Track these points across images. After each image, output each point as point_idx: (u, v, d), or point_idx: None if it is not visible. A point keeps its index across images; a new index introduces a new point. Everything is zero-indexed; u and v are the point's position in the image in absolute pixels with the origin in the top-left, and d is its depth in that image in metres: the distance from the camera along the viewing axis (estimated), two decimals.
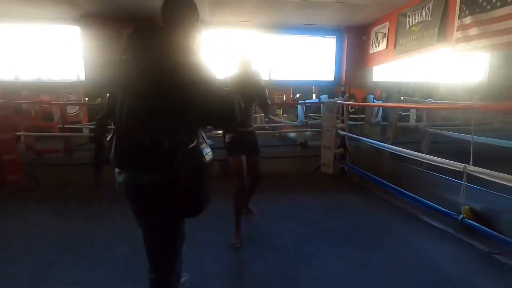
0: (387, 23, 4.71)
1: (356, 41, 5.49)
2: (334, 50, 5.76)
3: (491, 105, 3.38)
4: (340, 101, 4.41)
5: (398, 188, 2.92)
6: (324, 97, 5.36)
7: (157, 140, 0.97)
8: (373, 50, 5.14)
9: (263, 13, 4.65)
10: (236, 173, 2.21)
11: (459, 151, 2.55)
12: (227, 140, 2.32)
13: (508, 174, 1.94)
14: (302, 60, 5.75)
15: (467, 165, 2.23)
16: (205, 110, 0.98)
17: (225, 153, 2.39)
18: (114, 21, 4.89)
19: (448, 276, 1.85)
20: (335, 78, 5.83)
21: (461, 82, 5.77)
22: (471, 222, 2.22)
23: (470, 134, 2.30)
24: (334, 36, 5.72)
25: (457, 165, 2.32)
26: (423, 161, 2.93)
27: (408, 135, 5.35)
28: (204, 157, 1.07)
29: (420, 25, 3.94)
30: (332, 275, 1.86)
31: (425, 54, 3.89)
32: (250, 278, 1.87)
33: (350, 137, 4.23)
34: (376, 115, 5.38)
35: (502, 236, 1.99)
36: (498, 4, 2.85)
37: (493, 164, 2.14)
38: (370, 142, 3.82)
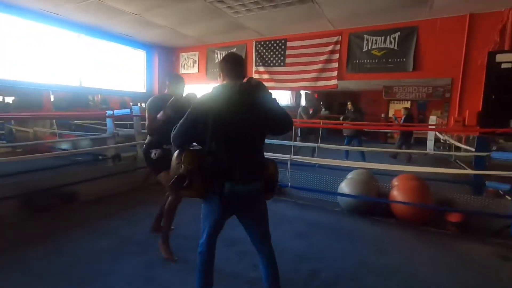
0: (197, 52, 5.92)
1: (167, 59, 6.19)
2: (144, 63, 6.05)
3: (301, 123, 5.82)
4: None
5: None
6: (136, 108, 5.57)
7: (262, 158, 1.62)
8: (183, 71, 6.11)
9: (82, 11, 4.08)
10: None
11: None
12: (154, 156, 2.46)
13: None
14: (113, 68, 5.49)
15: (291, 156, 4.08)
16: (284, 121, 1.71)
17: (152, 168, 2.58)
18: None
19: (290, 216, 3.65)
20: (147, 90, 6.13)
21: None
22: (294, 186, 4.12)
23: None
24: (144, 50, 5.99)
25: (285, 156, 4.11)
26: None
27: None
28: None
29: None
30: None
31: None
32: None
33: None
34: None
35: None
36: (276, 64, 5.03)
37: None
38: None
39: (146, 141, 2.55)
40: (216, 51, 5.66)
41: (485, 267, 2.61)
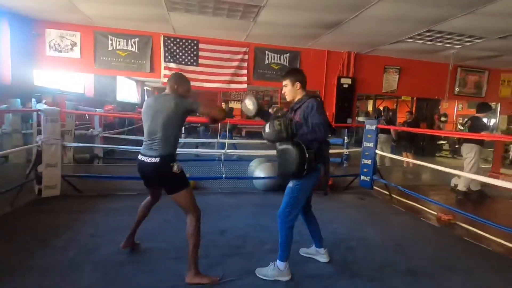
0: (79, 33, 4.75)
1: (23, 33, 4.49)
2: None
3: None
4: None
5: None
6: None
7: None
8: (54, 53, 4.69)
9: None
10: (195, 204, 2.16)
11: None
12: (178, 169, 2.09)
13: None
14: None
15: (225, 150, 4.55)
16: None
17: (177, 184, 2.12)
18: None
19: (228, 204, 4.49)
20: None
21: None
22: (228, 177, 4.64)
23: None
24: None
25: (220, 151, 4.53)
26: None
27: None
28: None
29: (127, 53, 4.93)
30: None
31: (136, 76, 5.00)
32: None
33: None
34: None
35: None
36: (189, 63, 5.15)
37: None
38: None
39: (159, 154, 2.06)
40: (110, 37, 4.86)
41: (353, 204, 4.44)
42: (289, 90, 2.27)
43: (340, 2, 3.41)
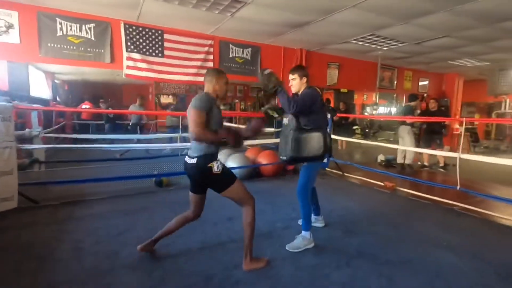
0: (16, 13, 3.93)
1: None
2: None
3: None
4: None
5: None
6: None
7: None
8: None
9: None
10: (248, 194, 2.17)
11: None
12: (219, 168, 2.02)
13: None
14: None
15: None
16: None
17: (222, 183, 2.07)
18: None
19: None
20: None
21: None
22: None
23: None
24: None
25: None
26: None
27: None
28: None
29: (82, 40, 4.34)
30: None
31: (94, 67, 4.45)
32: None
33: None
34: None
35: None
36: (154, 54, 4.87)
37: None
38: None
39: (196, 155, 1.99)
40: (59, 20, 4.18)
41: (319, 183, 4.75)
42: (297, 83, 2.62)
43: (316, 6, 3.90)
